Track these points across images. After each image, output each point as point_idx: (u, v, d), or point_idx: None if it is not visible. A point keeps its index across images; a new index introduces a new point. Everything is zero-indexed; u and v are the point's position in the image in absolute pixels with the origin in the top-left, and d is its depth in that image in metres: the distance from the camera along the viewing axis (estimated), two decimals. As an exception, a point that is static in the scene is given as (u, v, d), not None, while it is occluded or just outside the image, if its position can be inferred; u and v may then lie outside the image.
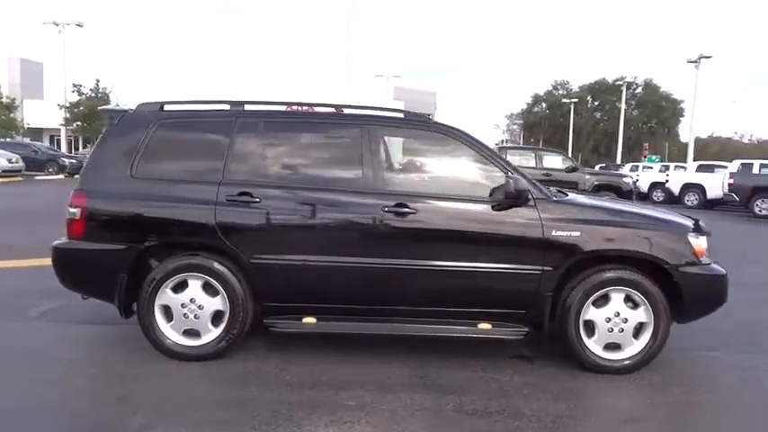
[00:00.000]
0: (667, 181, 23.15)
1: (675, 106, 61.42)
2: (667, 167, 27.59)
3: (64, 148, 34.57)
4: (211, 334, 3.93)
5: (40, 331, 4.57)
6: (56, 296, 5.35)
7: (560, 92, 67.47)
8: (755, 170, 19.59)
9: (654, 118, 63.01)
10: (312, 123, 4.16)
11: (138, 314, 3.93)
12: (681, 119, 62.61)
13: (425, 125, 4.13)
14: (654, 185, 24.27)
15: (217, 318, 3.93)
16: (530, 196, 3.88)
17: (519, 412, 3.34)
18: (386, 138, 4.03)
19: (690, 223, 4.16)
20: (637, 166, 32.33)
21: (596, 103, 66.58)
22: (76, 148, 42.34)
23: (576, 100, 59.51)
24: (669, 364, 4.13)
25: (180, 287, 3.91)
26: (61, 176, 25.07)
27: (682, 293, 3.90)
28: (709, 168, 23.16)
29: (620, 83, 51.80)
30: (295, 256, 3.87)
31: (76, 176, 20.67)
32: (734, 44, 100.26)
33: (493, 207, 3.89)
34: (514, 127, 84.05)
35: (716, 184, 20.71)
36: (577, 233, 3.86)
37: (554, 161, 14.77)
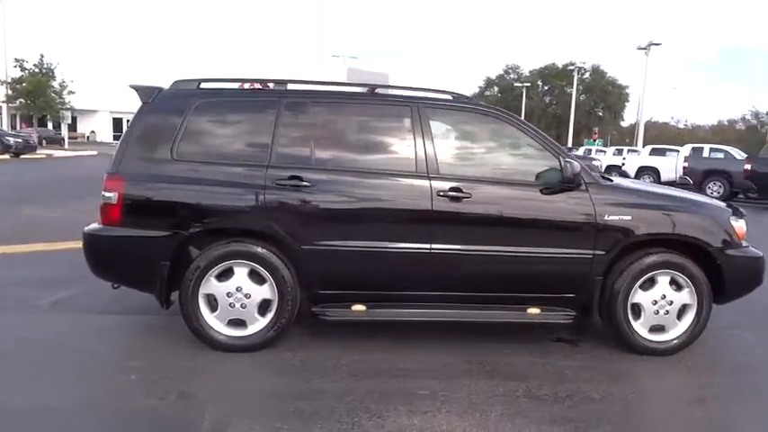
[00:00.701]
0: (624, 164, 23.89)
1: (621, 91, 63.30)
2: (621, 151, 28.48)
3: (5, 126, 32.53)
4: (258, 324, 3.77)
5: (59, 323, 4.28)
6: (59, 285, 5.08)
7: (512, 76, 68.36)
8: (705, 154, 20.53)
9: (601, 102, 64.76)
10: (361, 105, 4.00)
11: (180, 304, 3.73)
12: (626, 104, 64.66)
13: (476, 108, 4.06)
14: (609, 168, 25.00)
15: (263, 307, 3.77)
16: (581, 180, 3.88)
17: (588, 396, 3.36)
18: (437, 120, 3.92)
19: (725, 206, 4.26)
20: (590, 150, 33.25)
21: (546, 88, 67.87)
22: (13, 127, 40.01)
23: (528, 84, 60.57)
24: (701, 342, 4.21)
25: (224, 275, 3.73)
26: (6, 156, 23.67)
27: (724, 275, 4.00)
28: (662, 152, 24.02)
29: (572, 68, 53.10)
30: (347, 242, 3.75)
31: (23, 156, 19.61)
32: (670, 32, 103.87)
33: (544, 191, 3.87)
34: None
35: (669, 167, 21.56)
36: (629, 217, 3.89)
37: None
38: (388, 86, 4.19)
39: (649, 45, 34.51)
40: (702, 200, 4.32)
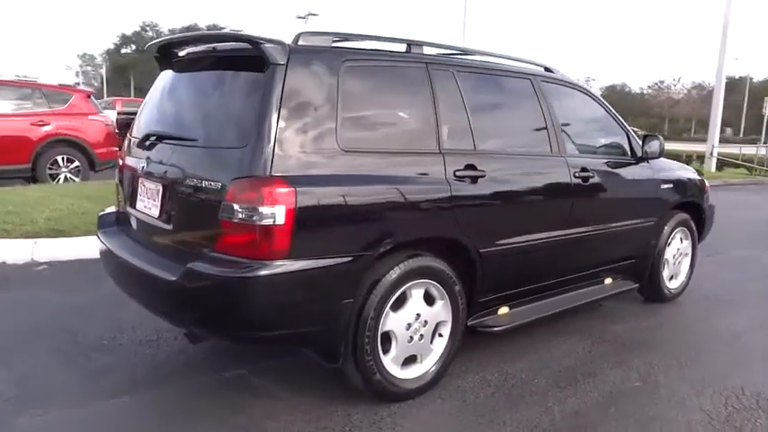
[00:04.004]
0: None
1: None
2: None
3: None
4: (433, 355, 2.97)
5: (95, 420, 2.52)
6: None
7: (150, 33, 63.52)
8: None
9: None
10: (494, 77, 3.38)
11: (357, 355, 2.65)
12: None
13: (570, 83, 3.88)
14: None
15: (434, 332, 2.99)
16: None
17: (706, 349, 3.74)
18: (551, 95, 3.61)
19: None
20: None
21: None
22: None
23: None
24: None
25: (396, 303, 2.80)
26: None
27: (704, 224, 4.86)
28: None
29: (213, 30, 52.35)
30: (519, 237, 3.25)
31: None
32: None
33: (625, 165, 4.02)
34: (89, 69, 76.03)
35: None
36: (672, 185, 4.37)
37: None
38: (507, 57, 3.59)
39: (308, 15, 36.59)
40: (688, 167, 5.09)
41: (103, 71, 67.88)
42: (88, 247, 5.16)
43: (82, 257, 5.12)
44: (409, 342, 2.84)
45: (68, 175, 8.85)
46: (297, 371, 3.17)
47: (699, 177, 4.86)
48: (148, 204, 2.84)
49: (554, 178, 3.45)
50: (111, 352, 3.31)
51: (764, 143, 21.58)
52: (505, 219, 3.20)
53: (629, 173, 4.03)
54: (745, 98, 55.65)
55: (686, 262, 4.79)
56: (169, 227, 2.64)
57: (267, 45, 2.45)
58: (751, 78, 63.24)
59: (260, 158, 2.34)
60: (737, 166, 19.57)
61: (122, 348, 3.37)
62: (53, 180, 8.65)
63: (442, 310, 2.96)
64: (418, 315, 2.85)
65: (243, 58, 2.61)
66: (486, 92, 3.33)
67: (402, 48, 3.02)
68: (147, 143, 2.90)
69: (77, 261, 5.06)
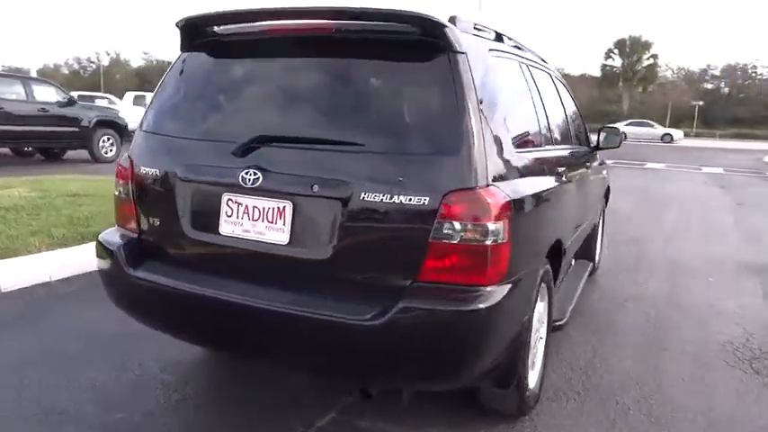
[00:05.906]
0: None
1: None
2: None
3: None
4: (539, 358, 2.90)
5: None
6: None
7: None
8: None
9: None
10: (537, 70, 3.29)
11: (519, 374, 2.44)
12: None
13: (559, 76, 4.02)
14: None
15: (534, 334, 2.92)
16: None
17: (663, 315, 4.33)
18: (562, 87, 3.73)
19: None
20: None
21: None
22: None
23: None
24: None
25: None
26: None
27: (607, 204, 5.56)
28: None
29: None
30: (576, 230, 3.35)
31: None
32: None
33: (592, 153, 4.36)
34: None
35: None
36: (605, 172, 4.90)
37: (47, 93, 11.97)
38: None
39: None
40: None
41: None
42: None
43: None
44: (533, 348, 2.72)
45: None
46: (389, 400, 2.78)
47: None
48: (256, 228, 2.15)
49: (580, 168, 3.62)
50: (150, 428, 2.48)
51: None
52: (572, 213, 3.26)
53: (597, 161, 4.40)
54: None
55: (599, 237, 5.43)
56: (322, 256, 2.04)
57: (449, 29, 2.05)
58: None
59: (474, 166, 1.96)
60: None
61: (155, 419, 2.55)
62: None
63: (544, 312, 2.89)
64: (540, 319, 2.74)
65: (396, 42, 2.13)
66: (540, 85, 3.29)
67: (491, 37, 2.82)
68: (245, 148, 2.17)
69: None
